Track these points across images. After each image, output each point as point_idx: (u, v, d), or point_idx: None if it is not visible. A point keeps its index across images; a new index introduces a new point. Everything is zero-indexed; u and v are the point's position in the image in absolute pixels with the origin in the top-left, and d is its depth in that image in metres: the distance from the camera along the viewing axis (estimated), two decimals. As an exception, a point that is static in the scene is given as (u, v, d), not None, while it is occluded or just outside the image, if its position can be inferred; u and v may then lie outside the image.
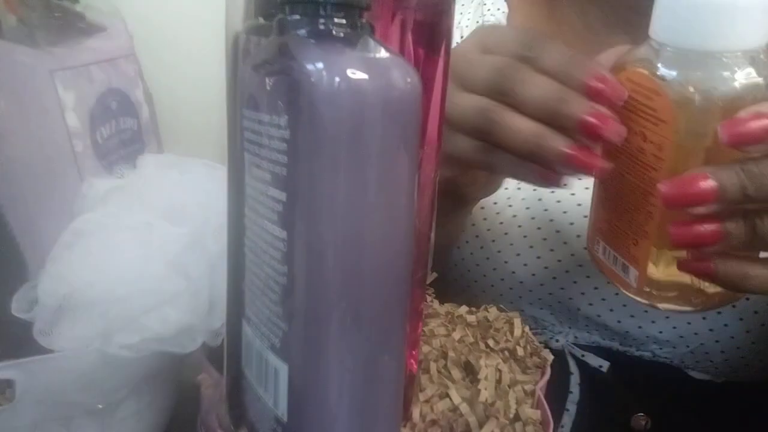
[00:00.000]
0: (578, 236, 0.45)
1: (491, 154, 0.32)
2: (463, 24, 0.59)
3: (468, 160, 0.33)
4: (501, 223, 0.48)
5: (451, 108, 0.31)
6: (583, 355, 0.47)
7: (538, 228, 0.47)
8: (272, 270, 0.19)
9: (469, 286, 0.51)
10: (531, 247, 0.47)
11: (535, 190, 0.48)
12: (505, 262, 0.48)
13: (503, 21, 0.57)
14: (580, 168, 0.29)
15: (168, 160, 0.44)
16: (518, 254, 0.48)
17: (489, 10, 0.58)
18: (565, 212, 0.46)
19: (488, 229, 0.49)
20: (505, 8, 0.58)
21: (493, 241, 0.49)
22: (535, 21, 0.57)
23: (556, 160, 0.29)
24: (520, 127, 0.29)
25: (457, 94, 0.32)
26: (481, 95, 0.32)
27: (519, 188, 0.49)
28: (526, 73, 0.30)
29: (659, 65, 0.27)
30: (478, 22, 0.58)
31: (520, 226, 0.48)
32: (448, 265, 0.53)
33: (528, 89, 0.29)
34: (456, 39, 0.59)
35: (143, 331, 0.33)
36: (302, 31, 0.19)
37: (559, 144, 0.28)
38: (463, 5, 0.61)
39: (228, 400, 0.27)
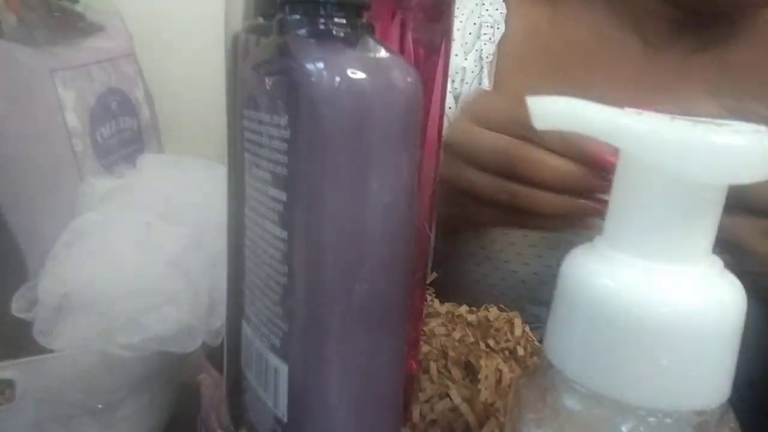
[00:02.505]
0: (577, 234, 0.46)
1: (519, 190, 0.33)
2: (455, 27, 0.58)
3: (490, 197, 0.35)
4: None
5: (465, 181, 0.36)
6: None
7: None
8: (272, 270, 0.19)
9: (469, 288, 0.52)
10: (531, 246, 0.47)
11: None
12: (506, 261, 0.48)
13: (501, 21, 0.57)
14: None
15: (168, 160, 0.44)
16: (519, 253, 0.48)
17: (488, 10, 0.58)
18: None
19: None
20: (503, 9, 0.57)
21: (492, 240, 0.49)
22: (536, 21, 0.57)
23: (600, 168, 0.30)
24: (555, 162, 0.32)
25: (467, 170, 0.36)
26: (491, 173, 0.35)
27: None
28: (535, 153, 0.32)
29: None
30: (474, 23, 0.58)
31: None
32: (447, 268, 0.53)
33: (540, 171, 0.32)
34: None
35: (143, 331, 0.33)
36: (302, 31, 0.19)
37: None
38: (458, 8, 0.61)
39: (228, 400, 0.27)
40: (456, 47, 0.58)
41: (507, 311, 0.38)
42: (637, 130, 0.14)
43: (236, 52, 0.24)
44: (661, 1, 0.50)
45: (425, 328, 0.34)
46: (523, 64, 0.56)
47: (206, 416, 0.32)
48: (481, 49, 0.56)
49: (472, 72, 0.57)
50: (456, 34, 0.59)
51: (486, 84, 0.56)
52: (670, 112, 0.15)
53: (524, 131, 0.33)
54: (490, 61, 0.56)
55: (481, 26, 0.57)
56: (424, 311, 0.33)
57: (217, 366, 0.32)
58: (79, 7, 0.44)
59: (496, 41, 0.57)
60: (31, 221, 0.37)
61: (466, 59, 0.57)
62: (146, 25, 0.52)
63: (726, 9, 0.49)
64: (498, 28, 0.57)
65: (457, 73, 0.58)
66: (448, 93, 0.58)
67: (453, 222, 0.41)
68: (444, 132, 0.37)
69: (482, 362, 0.32)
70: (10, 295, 0.34)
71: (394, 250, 0.19)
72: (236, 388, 0.24)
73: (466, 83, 0.57)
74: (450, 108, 0.58)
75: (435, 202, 0.28)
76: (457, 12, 0.60)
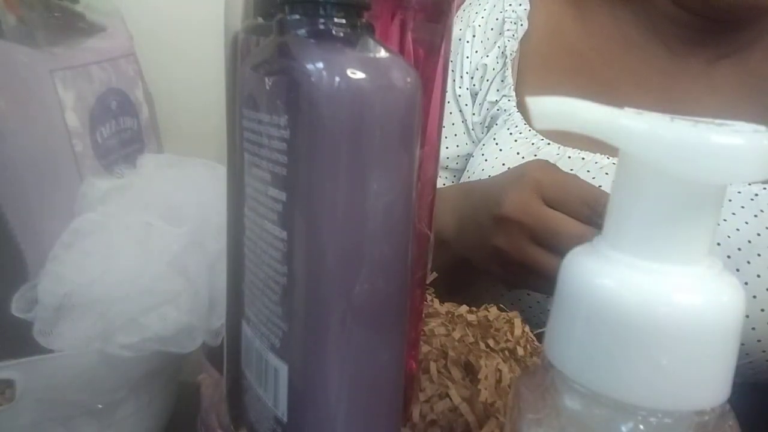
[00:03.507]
0: None
1: None
2: (477, 23, 0.57)
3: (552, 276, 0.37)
4: None
5: (537, 262, 0.37)
6: None
7: None
8: (272, 270, 0.19)
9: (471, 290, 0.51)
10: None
11: None
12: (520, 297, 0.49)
13: (524, 18, 0.55)
14: None
15: (168, 160, 0.44)
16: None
17: (510, 5, 0.56)
18: None
19: None
20: (527, 5, 0.56)
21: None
22: (560, 20, 0.56)
23: None
24: None
25: (538, 252, 0.37)
26: (557, 254, 0.36)
27: None
28: None
29: None
30: (497, 19, 0.56)
31: None
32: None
33: None
34: (467, 38, 0.57)
35: (143, 331, 0.33)
36: (302, 31, 0.19)
37: None
38: (479, 4, 0.59)
39: (228, 400, 0.27)
40: (476, 43, 0.57)
41: (507, 311, 0.38)
42: (636, 130, 0.14)
43: (236, 52, 0.24)
44: (679, 9, 0.50)
45: (425, 328, 0.34)
46: (546, 63, 0.55)
47: (206, 416, 0.32)
48: (505, 46, 0.55)
49: (494, 69, 0.55)
50: (477, 30, 0.57)
51: (510, 82, 0.55)
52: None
53: (595, 217, 0.35)
54: (514, 59, 0.55)
55: (504, 22, 0.55)
56: (424, 311, 0.33)
57: (217, 366, 0.32)
58: (79, 7, 0.44)
59: (519, 38, 0.55)
60: (31, 221, 0.37)
61: (487, 56, 0.56)
62: (146, 25, 0.52)
63: (741, 16, 0.49)
64: (521, 24, 0.55)
65: (477, 69, 0.56)
66: (465, 90, 0.57)
67: (505, 283, 0.43)
68: (503, 202, 0.38)
69: (482, 362, 0.32)
70: (10, 295, 0.34)
71: (393, 250, 0.19)
72: (236, 388, 0.24)
73: (487, 80, 0.55)
74: (467, 105, 0.57)
75: (435, 202, 0.28)
76: (477, 8, 0.59)
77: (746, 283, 0.44)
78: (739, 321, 0.15)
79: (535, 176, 0.38)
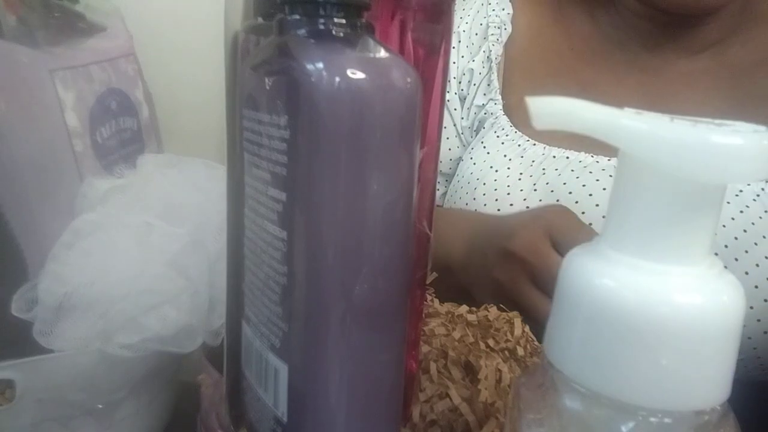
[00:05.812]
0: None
1: None
2: (462, 29, 0.59)
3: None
4: None
5: (530, 303, 0.37)
6: None
7: None
8: (272, 270, 0.19)
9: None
10: None
11: (547, 183, 0.48)
12: None
13: (507, 22, 0.57)
14: None
15: (168, 160, 0.44)
16: None
17: (494, 10, 0.57)
18: (577, 201, 0.47)
19: None
20: (510, 9, 0.57)
21: None
22: (541, 23, 0.57)
23: None
24: None
25: (534, 293, 0.37)
26: None
27: (535, 189, 0.49)
28: None
29: None
30: (481, 24, 0.58)
31: None
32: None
33: None
34: (453, 44, 0.58)
35: (143, 331, 0.33)
36: (302, 31, 0.19)
37: None
38: (463, 9, 0.60)
39: (228, 400, 0.27)
40: (462, 49, 0.58)
41: (507, 311, 0.38)
42: (636, 130, 0.14)
43: (236, 52, 0.24)
44: (644, 6, 0.50)
45: (425, 328, 0.34)
46: (530, 65, 0.56)
47: (206, 416, 0.32)
48: (490, 51, 0.56)
49: (480, 74, 0.56)
50: (462, 36, 0.58)
51: (496, 86, 0.56)
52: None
53: None
54: (499, 62, 0.56)
55: (488, 27, 0.57)
56: (424, 311, 0.33)
57: (217, 366, 0.32)
58: (79, 7, 0.44)
59: (503, 42, 0.56)
60: (31, 221, 0.37)
61: (473, 61, 0.57)
62: (146, 25, 0.52)
63: (694, 12, 0.49)
64: (505, 28, 0.56)
65: (464, 74, 0.57)
66: (454, 95, 0.58)
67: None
68: (512, 237, 0.39)
69: (482, 362, 0.32)
70: (10, 295, 0.34)
71: (394, 250, 0.19)
72: (236, 388, 0.24)
73: (474, 84, 0.57)
74: (456, 110, 0.58)
75: (435, 202, 0.28)
76: (462, 13, 0.60)
77: (746, 273, 0.44)
78: (739, 321, 0.15)
79: (550, 218, 0.39)
